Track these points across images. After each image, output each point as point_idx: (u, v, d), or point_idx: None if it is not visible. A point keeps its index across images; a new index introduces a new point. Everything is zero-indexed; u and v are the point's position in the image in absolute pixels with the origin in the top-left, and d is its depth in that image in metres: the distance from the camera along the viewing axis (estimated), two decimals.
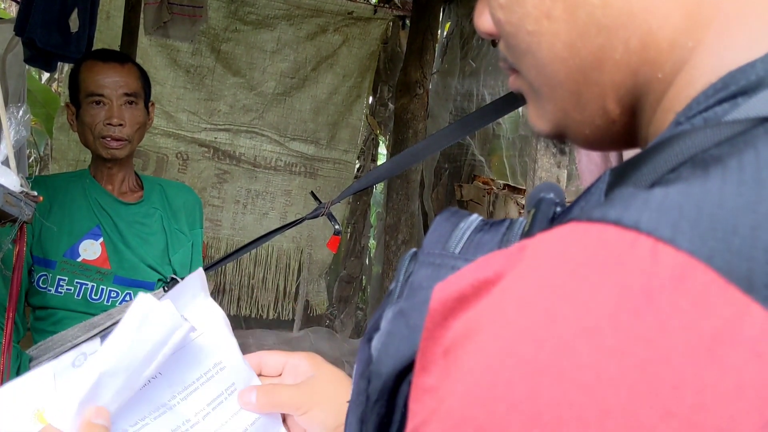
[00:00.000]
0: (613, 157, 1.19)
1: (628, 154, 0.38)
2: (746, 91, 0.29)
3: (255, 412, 0.67)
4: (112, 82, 1.66)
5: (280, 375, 0.70)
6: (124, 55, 1.82)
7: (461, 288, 0.28)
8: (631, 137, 0.38)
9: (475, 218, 0.37)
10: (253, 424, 0.68)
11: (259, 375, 0.70)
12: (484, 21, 0.41)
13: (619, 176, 0.31)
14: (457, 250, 0.36)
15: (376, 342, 0.35)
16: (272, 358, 0.70)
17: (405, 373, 0.33)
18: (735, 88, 0.30)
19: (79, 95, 1.68)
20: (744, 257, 0.23)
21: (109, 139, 1.65)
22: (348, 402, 0.37)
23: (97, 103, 1.65)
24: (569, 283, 0.24)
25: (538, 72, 0.38)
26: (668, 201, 0.25)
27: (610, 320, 0.23)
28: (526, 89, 0.41)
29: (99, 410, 0.56)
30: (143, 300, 0.56)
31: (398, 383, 0.34)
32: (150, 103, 1.78)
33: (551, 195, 0.34)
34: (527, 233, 0.33)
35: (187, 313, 0.70)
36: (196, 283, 0.71)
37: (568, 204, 0.34)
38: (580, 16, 0.35)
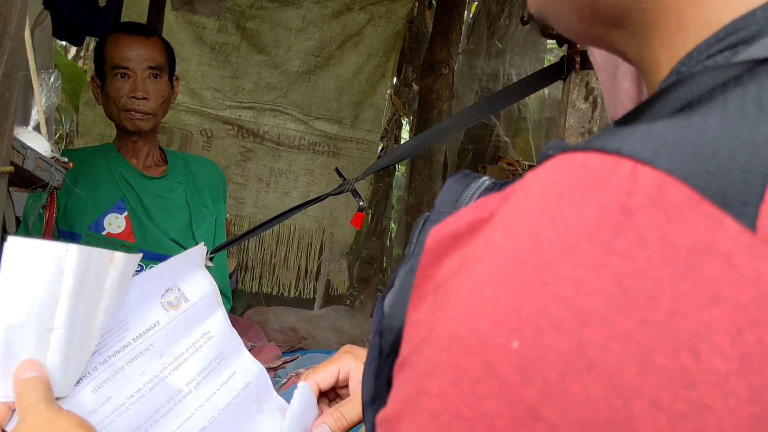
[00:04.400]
0: None
1: None
2: (747, 40, 0.29)
3: None
4: (137, 54, 1.66)
5: (335, 385, 0.74)
6: (149, 28, 1.82)
7: (457, 227, 0.29)
8: (615, 47, 0.38)
9: (485, 179, 0.38)
10: (244, 389, 0.69)
11: (321, 395, 0.72)
12: None
13: (620, 124, 0.32)
14: None
15: (389, 299, 0.36)
16: (323, 375, 0.73)
17: None
18: (735, 37, 0.29)
19: (104, 68, 1.69)
20: (720, 176, 0.24)
21: (133, 112, 1.66)
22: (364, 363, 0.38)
23: (122, 75, 1.66)
24: (552, 205, 0.25)
25: None
26: (652, 131, 0.25)
27: (590, 237, 0.24)
28: None
29: (26, 363, 0.54)
30: (10, 243, 0.53)
31: None
32: (174, 77, 1.77)
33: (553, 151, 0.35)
34: None
35: (182, 284, 0.70)
36: (195, 256, 0.71)
37: None
38: None
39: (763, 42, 0.28)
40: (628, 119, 0.31)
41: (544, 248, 0.24)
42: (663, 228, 0.23)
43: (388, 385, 0.35)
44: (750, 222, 0.23)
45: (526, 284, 0.24)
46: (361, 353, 0.73)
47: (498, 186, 0.37)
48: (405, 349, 0.29)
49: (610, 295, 0.23)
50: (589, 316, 0.23)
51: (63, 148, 4.08)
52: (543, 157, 0.35)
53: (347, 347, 0.74)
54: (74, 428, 0.51)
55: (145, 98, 1.66)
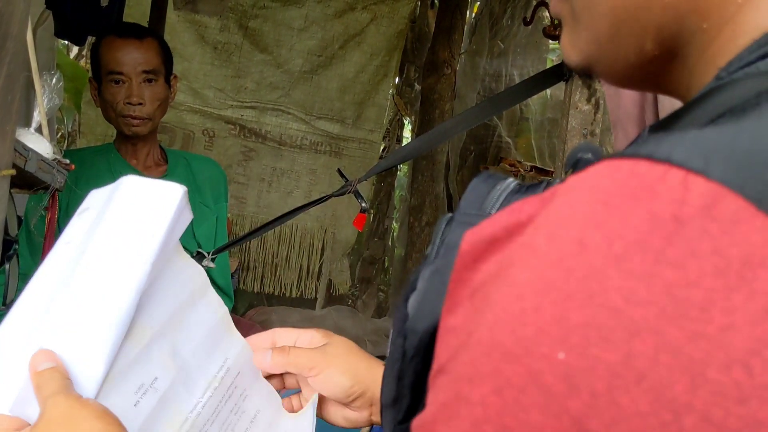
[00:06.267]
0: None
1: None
2: None
3: (269, 371, 0.68)
4: (131, 59, 1.65)
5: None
6: (143, 30, 1.80)
7: (493, 231, 0.28)
8: (665, 82, 0.37)
9: (511, 181, 0.37)
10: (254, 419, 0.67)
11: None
12: None
13: (657, 129, 0.31)
14: (494, 211, 0.36)
15: (412, 301, 0.35)
16: (285, 334, 0.71)
17: None
18: None
19: (100, 71, 1.68)
20: None
21: (129, 118, 1.65)
22: (384, 366, 0.37)
23: (117, 81, 1.65)
24: (600, 212, 0.25)
25: None
26: (701, 138, 0.25)
27: (640, 246, 0.23)
28: (566, 14, 0.41)
29: (41, 354, 0.51)
30: None
31: (434, 340, 0.33)
32: (172, 77, 1.77)
33: (589, 155, 0.34)
34: None
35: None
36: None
37: None
38: None
39: None
40: (667, 123, 0.30)
41: (592, 256, 0.24)
42: (716, 239, 0.23)
43: (411, 388, 0.35)
44: None
45: (573, 293, 0.24)
46: (335, 336, 0.71)
47: (524, 188, 0.36)
48: (442, 356, 0.29)
49: (660, 306, 0.22)
50: (638, 327, 0.23)
51: (65, 147, 4.08)
52: (575, 160, 0.34)
53: (328, 334, 0.71)
54: (93, 420, 0.49)
55: (140, 104, 1.65)
